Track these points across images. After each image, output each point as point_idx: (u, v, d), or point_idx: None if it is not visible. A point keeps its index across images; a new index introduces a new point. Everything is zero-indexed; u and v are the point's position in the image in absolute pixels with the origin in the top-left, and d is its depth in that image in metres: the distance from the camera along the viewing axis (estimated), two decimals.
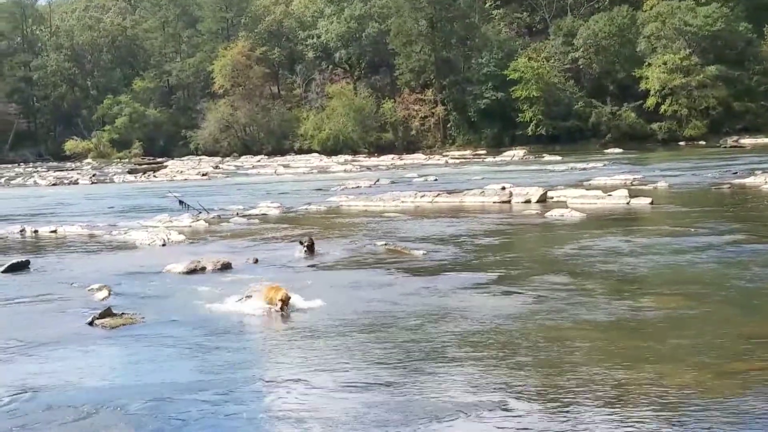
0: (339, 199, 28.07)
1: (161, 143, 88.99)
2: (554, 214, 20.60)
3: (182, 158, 76.20)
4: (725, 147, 56.46)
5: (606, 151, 59.09)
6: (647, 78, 67.52)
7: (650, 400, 6.81)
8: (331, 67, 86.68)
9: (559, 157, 51.53)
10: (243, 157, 74.34)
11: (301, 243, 15.54)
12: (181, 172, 54.27)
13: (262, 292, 10.79)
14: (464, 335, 9.10)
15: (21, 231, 21.21)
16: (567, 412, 6.64)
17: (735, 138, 60.42)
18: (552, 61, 73.51)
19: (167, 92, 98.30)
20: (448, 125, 77.16)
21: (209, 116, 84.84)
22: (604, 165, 41.65)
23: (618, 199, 23.16)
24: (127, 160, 79.50)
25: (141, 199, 32.42)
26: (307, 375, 7.93)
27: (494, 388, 7.25)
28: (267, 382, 7.76)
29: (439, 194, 26.58)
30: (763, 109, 66.27)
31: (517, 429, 6.35)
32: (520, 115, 70.91)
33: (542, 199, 24.38)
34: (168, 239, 18.20)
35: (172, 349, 9.06)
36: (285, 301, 10.42)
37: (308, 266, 14.38)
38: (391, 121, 78.45)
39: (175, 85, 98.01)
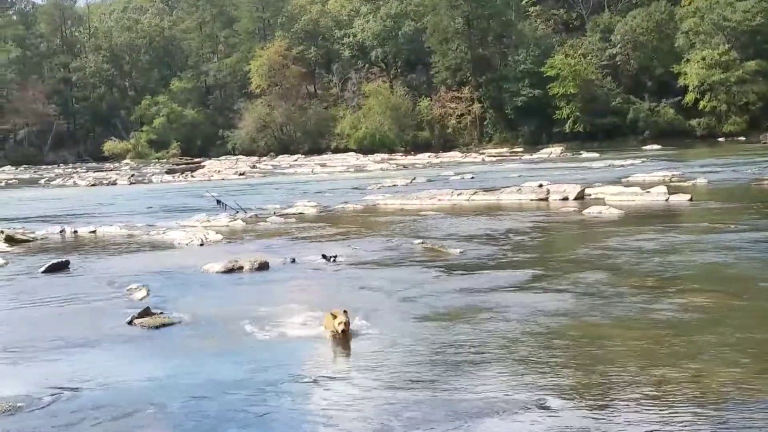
0: (375, 197, 28.10)
1: (199, 143, 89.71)
2: (592, 211, 20.45)
3: (219, 158, 76.72)
4: (765, 143, 55.84)
5: (644, 147, 58.69)
6: (686, 74, 66.95)
7: (690, 398, 6.74)
8: (367, 65, 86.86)
9: (596, 154, 51.28)
10: (280, 157, 74.70)
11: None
12: (219, 171, 54.67)
13: (321, 321, 9.76)
14: (502, 333, 9.06)
15: (61, 231, 21.40)
16: (606, 410, 6.59)
17: None
18: (589, 57, 73.08)
19: (204, 92, 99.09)
20: (485, 123, 77.04)
21: (246, 116, 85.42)
22: (643, 162, 41.35)
23: (656, 196, 22.95)
24: (165, 160, 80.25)
25: (179, 199, 32.64)
26: (345, 373, 7.97)
27: (533, 387, 7.20)
28: (304, 381, 7.77)
29: (476, 192, 26.48)
30: None
31: (556, 427, 6.31)
32: (557, 112, 70.71)
33: (580, 197, 24.23)
34: (206, 239, 18.30)
35: (209, 349, 9.10)
36: (345, 329, 9.29)
37: (345, 265, 14.37)
38: (428, 119, 78.50)
39: (213, 85, 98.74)
